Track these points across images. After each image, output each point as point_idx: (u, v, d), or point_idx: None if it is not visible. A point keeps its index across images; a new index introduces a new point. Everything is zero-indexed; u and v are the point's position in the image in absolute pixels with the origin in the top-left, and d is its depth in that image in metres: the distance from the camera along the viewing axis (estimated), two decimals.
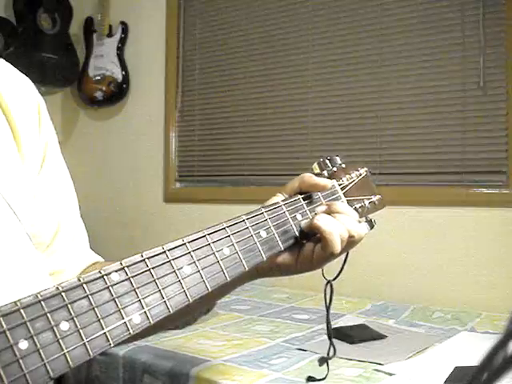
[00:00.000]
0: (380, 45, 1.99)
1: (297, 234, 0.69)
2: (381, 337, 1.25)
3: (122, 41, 2.57)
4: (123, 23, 2.58)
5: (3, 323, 0.40)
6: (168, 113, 2.48)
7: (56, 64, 2.55)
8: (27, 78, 0.71)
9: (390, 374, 0.99)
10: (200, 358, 1.08)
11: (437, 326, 1.39)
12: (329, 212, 0.70)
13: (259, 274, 0.73)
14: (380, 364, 1.04)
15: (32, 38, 2.48)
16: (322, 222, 0.67)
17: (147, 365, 1.07)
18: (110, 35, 2.59)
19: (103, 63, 2.57)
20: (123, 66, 2.55)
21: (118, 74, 2.54)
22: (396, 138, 1.97)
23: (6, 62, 0.70)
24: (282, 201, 0.70)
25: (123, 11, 2.61)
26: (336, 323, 1.38)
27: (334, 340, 1.23)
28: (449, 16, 1.86)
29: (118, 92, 2.56)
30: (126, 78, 2.55)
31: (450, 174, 1.86)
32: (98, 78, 2.57)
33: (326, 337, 1.26)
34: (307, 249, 0.70)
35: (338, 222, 0.68)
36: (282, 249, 0.66)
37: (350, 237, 0.68)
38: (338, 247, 0.67)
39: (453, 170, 1.86)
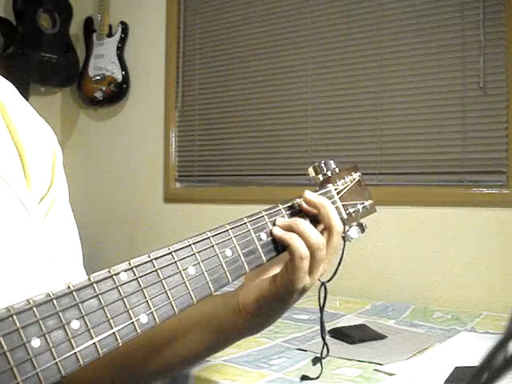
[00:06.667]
0: (380, 45, 1.99)
1: (272, 244, 0.64)
2: (381, 337, 1.25)
3: (122, 41, 2.57)
4: (123, 23, 2.58)
5: (17, 321, 0.40)
6: (168, 113, 2.48)
7: (56, 64, 2.55)
8: (49, 127, 0.70)
9: (390, 374, 0.99)
10: None
11: (437, 326, 1.39)
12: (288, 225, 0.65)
13: (267, 319, 0.67)
14: (380, 364, 1.04)
15: (32, 37, 2.48)
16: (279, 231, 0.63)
17: None
18: (109, 35, 2.59)
19: (103, 63, 2.57)
20: (123, 66, 2.55)
21: (118, 74, 2.54)
22: (396, 138, 1.97)
23: (31, 108, 0.68)
24: (247, 217, 0.65)
25: (123, 11, 2.61)
26: (336, 323, 1.38)
27: (335, 340, 1.23)
28: (449, 16, 1.86)
29: (118, 92, 2.56)
30: (126, 78, 2.55)
31: (450, 174, 1.86)
32: (98, 77, 2.57)
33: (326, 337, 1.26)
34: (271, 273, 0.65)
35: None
36: (265, 261, 0.63)
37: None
38: (304, 249, 0.61)
39: (453, 170, 1.86)
